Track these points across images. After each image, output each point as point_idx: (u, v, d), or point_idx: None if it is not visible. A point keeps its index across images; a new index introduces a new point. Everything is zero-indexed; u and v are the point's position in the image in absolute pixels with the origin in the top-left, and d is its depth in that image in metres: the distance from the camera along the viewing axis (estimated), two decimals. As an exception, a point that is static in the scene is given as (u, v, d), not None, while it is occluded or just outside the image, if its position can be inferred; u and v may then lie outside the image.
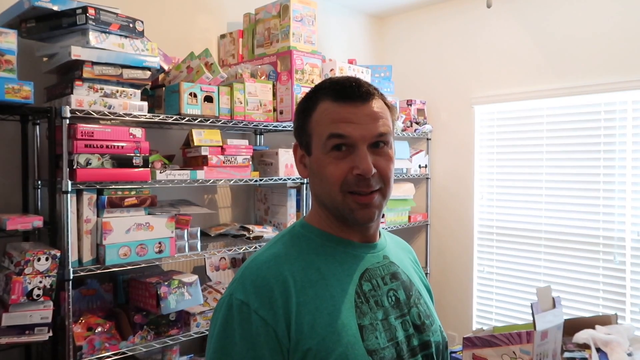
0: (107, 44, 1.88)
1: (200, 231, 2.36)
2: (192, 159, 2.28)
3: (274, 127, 2.45)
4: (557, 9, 2.86)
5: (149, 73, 2.02)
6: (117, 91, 1.95)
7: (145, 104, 2.03)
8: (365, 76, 2.85)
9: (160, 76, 2.27)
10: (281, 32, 2.46)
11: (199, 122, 2.18)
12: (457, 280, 3.31)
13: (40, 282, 1.69)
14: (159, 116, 2.07)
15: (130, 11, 2.04)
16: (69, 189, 1.81)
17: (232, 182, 2.32)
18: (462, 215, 3.30)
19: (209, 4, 2.71)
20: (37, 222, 1.78)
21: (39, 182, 2.06)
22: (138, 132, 1.98)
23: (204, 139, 2.23)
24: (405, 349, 0.91)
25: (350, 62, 2.93)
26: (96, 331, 1.93)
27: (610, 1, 2.67)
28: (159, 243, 2.02)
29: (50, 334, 1.72)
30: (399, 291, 0.96)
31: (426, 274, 3.31)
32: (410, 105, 3.34)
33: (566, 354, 1.75)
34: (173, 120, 2.10)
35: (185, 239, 2.24)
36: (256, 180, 2.41)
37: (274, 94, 2.46)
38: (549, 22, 2.90)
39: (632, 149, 2.65)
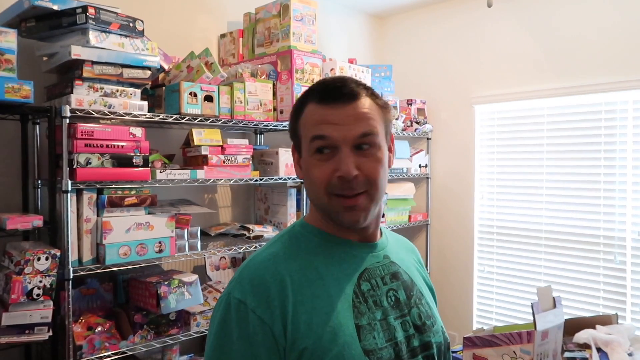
0: (107, 44, 1.87)
1: (201, 231, 2.36)
2: (192, 159, 2.28)
3: (274, 126, 2.45)
4: (557, 8, 2.86)
5: (149, 72, 2.01)
6: (117, 90, 1.95)
7: (145, 103, 2.03)
8: (366, 76, 2.85)
9: (161, 76, 2.27)
10: (281, 32, 2.45)
11: (199, 121, 2.17)
12: (458, 280, 3.31)
13: (40, 281, 1.68)
14: (159, 115, 2.07)
15: (130, 10, 2.04)
16: (69, 189, 1.80)
17: (232, 181, 2.32)
18: (463, 215, 3.30)
19: (209, 3, 2.71)
20: (37, 221, 1.78)
21: (39, 182, 2.06)
22: (138, 131, 1.98)
23: (204, 138, 2.23)
24: (404, 349, 0.91)
25: (351, 61, 2.93)
26: (96, 331, 1.93)
27: (611, 1, 2.67)
28: (159, 242, 2.02)
29: (50, 333, 1.72)
30: (399, 291, 0.95)
31: (426, 273, 3.30)
32: (411, 104, 3.34)
33: (567, 354, 1.75)
34: (173, 119, 2.10)
35: (186, 238, 2.23)
36: (256, 180, 2.41)
37: (274, 94, 2.45)
38: (549, 22, 2.89)
39: (632, 148, 2.65)
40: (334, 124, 0.87)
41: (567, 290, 2.84)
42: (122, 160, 1.92)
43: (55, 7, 1.81)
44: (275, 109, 2.46)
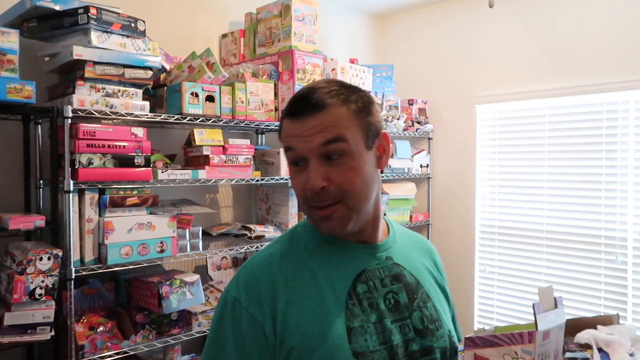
0: (108, 44, 1.88)
1: (202, 231, 2.36)
2: (194, 159, 2.28)
3: (275, 126, 2.45)
4: (559, 8, 2.86)
5: (150, 73, 2.02)
6: (119, 91, 1.96)
7: (147, 103, 2.03)
8: (367, 75, 2.85)
9: (162, 76, 2.27)
10: (283, 32, 2.46)
11: (200, 121, 2.18)
12: (459, 280, 3.31)
13: (43, 281, 1.69)
14: (160, 116, 2.07)
15: (131, 11, 2.05)
16: (71, 189, 1.81)
17: (233, 181, 2.32)
18: (464, 215, 3.30)
19: (211, 3, 2.71)
20: (39, 221, 1.78)
21: (41, 182, 2.06)
22: (140, 131, 1.98)
23: (206, 138, 2.23)
24: (401, 353, 0.89)
25: (352, 61, 2.93)
26: (98, 330, 1.94)
27: (612, 0, 2.66)
28: (161, 242, 2.02)
29: (53, 333, 1.72)
30: (400, 294, 0.94)
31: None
32: (412, 104, 3.34)
33: (568, 354, 1.75)
34: (175, 119, 2.10)
35: (187, 238, 2.24)
36: (258, 180, 2.42)
37: (276, 94, 2.46)
38: (550, 22, 2.89)
39: (634, 148, 2.64)
40: (299, 136, 0.87)
41: (569, 291, 2.84)
42: (124, 161, 1.93)
43: (57, 8, 1.81)
44: (276, 109, 2.46)
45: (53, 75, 2.05)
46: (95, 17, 1.81)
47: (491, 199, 3.21)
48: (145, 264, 2.01)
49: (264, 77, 2.46)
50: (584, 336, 1.78)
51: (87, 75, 1.85)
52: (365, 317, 0.89)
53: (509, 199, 3.12)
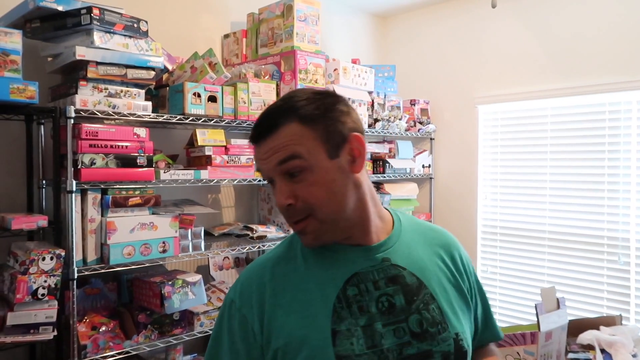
0: (111, 44, 1.88)
1: (204, 231, 2.37)
2: (196, 159, 2.29)
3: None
4: (561, 8, 2.85)
5: (153, 73, 2.02)
6: (122, 91, 1.96)
7: (149, 103, 2.04)
8: (369, 76, 2.85)
9: (164, 76, 2.27)
10: (285, 32, 2.46)
11: (202, 121, 2.18)
12: (461, 280, 3.31)
13: (45, 281, 1.69)
14: (162, 116, 2.07)
15: (134, 11, 2.05)
16: (74, 189, 1.81)
17: (235, 181, 2.32)
18: (466, 215, 3.30)
19: (213, 3, 2.71)
20: (42, 221, 1.79)
21: (44, 182, 2.06)
22: (142, 131, 1.98)
23: (208, 138, 2.23)
24: (393, 357, 0.87)
25: (354, 61, 2.93)
26: (100, 330, 1.94)
27: (614, 1, 2.66)
28: (163, 243, 2.02)
29: (55, 333, 1.73)
30: (396, 296, 0.91)
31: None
32: (414, 105, 3.34)
33: (570, 355, 1.75)
34: (177, 120, 2.11)
35: (189, 238, 2.24)
36: (260, 180, 2.42)
37: (278, 94, 2.45)
38: (553, 22, 2.89)
39: (636, 149, 2.64)
40: (260, 159, 0.90)
41: (571, 291, 2.84)
42: (126, 161, 1.93)
43: (60, 8, 1.81)
44: (278, 110, 2.46)
45: (56, 75, 2.05)
46: (98, 17, 1.81)
47: (493, 200, 3.21)
48: (147, 264, 2.01)
49: (266, 77, 2.46)
50: (586, 337, 1.78)
51: (89, 75, 1.85)
52: (353, 321, 0.88)
53: (511, 200, 3.12)
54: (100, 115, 1.89)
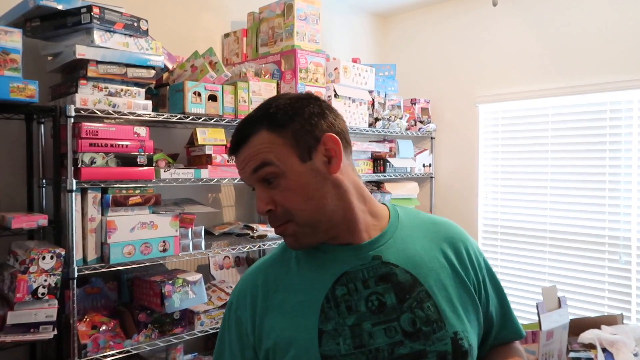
0: (111, 43, 1.88)
1: (204, 230, 2.37)
2: (196, 158, 2.28)
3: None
4: (562, 7, 2.85)
5: (153, 72, 2.02)
6: (122, 90, 1.96)
7: (149, 102, 2.03)
8: (369, 75, 2.85)
9: (165, 75, 2.27)
10: (285, 31, 2.45)
11: (203, 121, 2.18)
12: (462, 280, 3.30)
13: (45, 280, 1.69)
14: (163, 115, 2.07)
15: (134, 10, 2.04)
16: (74, 188, 1.81)
17: (236, 181, 2.32)
18: (466, 215, 3.29)
19: (213, 2, 2.71)
20: (42, 220, 1.78)
21: (44, 181, 2.06)
22: (142, 130, 1.98)
23: (208, 137, 2.23)
24: (383, 357, 0.86)
25: (355, 60, 2.93)
26: (101, 329, 1.94)
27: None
28: (163, 242, 2.02)
29: (55, 332, 1.72)
30: (387, 295, 0.89)
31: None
32: (415, 104, 3.33)
33: (572, 354, 1.74)
34: (177, 119, 2.10)
35: (190, 237, 2.24)
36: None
37: (278, 93, 2.45)
38: (554, 21, 2.88)
39: (638, 147, 2.63)
40: (239, 169, 0.93)
41: (572, 290, 2.83)
42: (127, 160, 1.93)
43: (60, 7, 1.81)
44: (279, 109, 2.45)
45: (56, 74, 2.05)
46: (98, 16, 1.81)
47: (494, 199, 3.20)
48: (147, 263, 2.01)
49: (267, 76, 2.46)
50: (587, 336, 1.78)
51: (89, 74, 1.85)
52: (340, 320, 0.87)
53: (511, 199, 3.11)
54: (100, 114, 1.88)
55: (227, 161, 2.26)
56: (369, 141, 3.12)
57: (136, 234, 1.95)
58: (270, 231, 2.48)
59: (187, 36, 2.58)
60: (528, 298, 3.01)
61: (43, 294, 1.68)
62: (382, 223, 0.97)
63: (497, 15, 3.10)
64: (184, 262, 2.48)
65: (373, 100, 3.01)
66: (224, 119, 2.24)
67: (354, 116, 2.78)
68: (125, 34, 1.91)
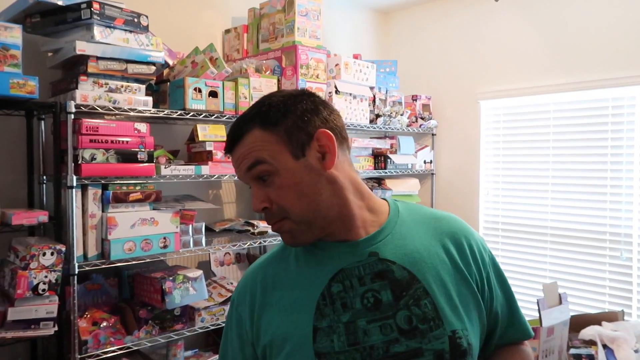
0: (111, 39, 1.87)
1: (205, 226, 2.37)
2: (197, 154, 2.28)
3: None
4: (564, 3, 2.83)
5: (153, 68, 2.01)
6: (122, 86, 1.95)
7: (149, 99, 2.03)
8: (370, 71, 2.84)
9: (165, 71, 2.27)
10: (286, 27, 2.45)
11: (203, 117, 2.17)
12: (462, 277, 3.31)
13: (46, 276, 1.69)
14: (163, 111, 2.06)
15: (134, 6, 2.04)
16: (74, 184, 1.81)
17: (236, 177, 2.31)
18: (468, 211, 3.29)
19: (214, -2, 2.71)
20: (43, 217, 1.79)
21: (44, 177, 2.06)
22: (143, 127, 1.98)
23: (209, 134, 2.23)
24: (378, 354, 0.85)
25: (356, 57, 2.92)
26: (101, 326, 1.94)
27: (619, -5, 2.65)
28: (164, 238, 2.02)
29: (56, 328, 1.73)
30: (383, 292, 0.88)
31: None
32: (416, 100, 3.32)
33: (572, 351, 1.74)
34: (178, 115, 2.10)
35: (190, 234, 2.24)
36: (261, 176, 2.40)
37: (279, 89, 2.44)
38: (555, 16, 2.87)
39: (639, 144, 2.62)
40: (234, 167, 0.93)
41: (573, 287, 2.83)
42: (127, 156, 1.92)
43: (60, 3, 1.80)
44: (279, 105, 2.45)
45: (56, 70, 2.05)
46: (98, 12, 1.80)
47: (495, 195, 3.20)
48: (148, 260, 2.01)
49: (267, 72, 2.45)
50: (588, 332, 1.78)
51: (90, 70, 1.85)
52: (335, 317, 0.87)
53: (513, 195, 3.11)
54: (100, 110, 1.88)
55: (228, 158, 2.25)
56: (370, 137, 3.12)
57: (137, 230, 1.95)
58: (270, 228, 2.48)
59: (188, 32, 2.58)
60: (529, 294, 3.00)
61: (44, 290, 1.69)
62: (381, 219, 0.96)
63: (499, 11, 3.09)
64: (184, 259, 2.48)
65: (374, 96, 3.00)
66: (225, 115, 2.24)
67: (354, 112, 2.77)
68: (126, 30, 1.91)
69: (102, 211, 1.92)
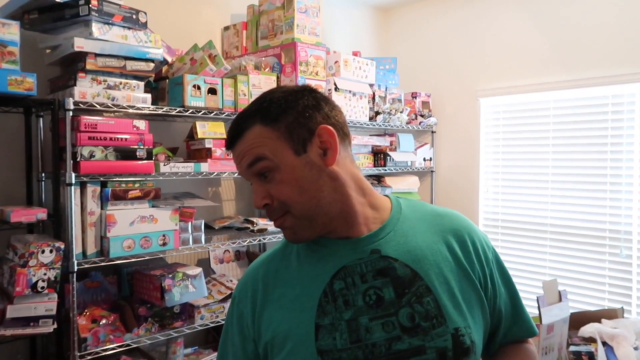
0: (110, 36, 1.86)
1: (204, 224, 2.36)
2: (196, 152, 2.27)
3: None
4: (564, 0, 2.83)
5: (152, 65, 2.01)
6: (121, 83, 1.95)
7: (148, 96, 2.02)
8: (370, 68, 2.83)
9: (164, 68, 2.26)
10: (285, 24, 2.44)
11: (202, 114, 2.17)
12: (462, 274, 3.30)
13: (45, 274, 1.69)
14: (162, 108, 2.06)
15: (133, 2, 2.03)
16: (73, 181, 1.80)
17: (236, 174, 2.31)
18: (467, 209, 3.28)
19: (213, -5, 2.70)
20: (41, 214, 1.78)
21: (43, 175, 2.06)
22: (141, 124, 1.97)
23: (208, 131, 2.22)
24: (380, 352, 0.84)
25: (355, 54, 2.91)
26: (101, 323, 1.94)
27: (619, -8, 2.64)
28: (163, 236, 2.02)
29: (55, 326, 1.72)
30: (385, 289, 0.87)
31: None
32: (415, 97, 3.32)
33: (572, 348, 1.74)
34: (176, 112, 2.09)
35: (189, 231, 2.23)
36: (260, 173, 2.40)
37: (278, 86, 2.44)
38: (555, 13, 2.86)
39: (639, 141, 2.62)
40: (236, 164, 0.93)
41: (573, 284, 2.83)
42: (126, 153, 1.92)
43: (58, -1, 1.80)
44: (279, 102, 2.44)
45: (54, 67, 2.04)
46: (96, 8, 1.79)
47: (495, 193, 3.20)
48: (147, 257, 2.01)
49: (267, 69, 2.44)
50: (588, 330, 1.78)
51: (88, 67, 1.84)
52: (337, 315, 0.86)
53: (512, 193, 3.11)
54: (99, 107, 1.87)
55: (227, 155, 2.25)
56: (370, 135, 3.11)
57: (136, 227, 1.94)
58: (270, 225, 2.48)
59: (187, 29, 2.57)
60: (529, 292, 3.00)
61: (43, 287, 1.68)
62: (383, 216, 0.96)
63: (499, 8, 3.08)
64: (184, 256, 2.48)
65: (374, 93, 2.99)
66: (224, 113, 2.23)
67: (354, 110, 2.77)
68: (124, 27, 1.90)
69: (101, 208, 1.91)
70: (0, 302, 1.70)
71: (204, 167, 2.17)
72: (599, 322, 1.83)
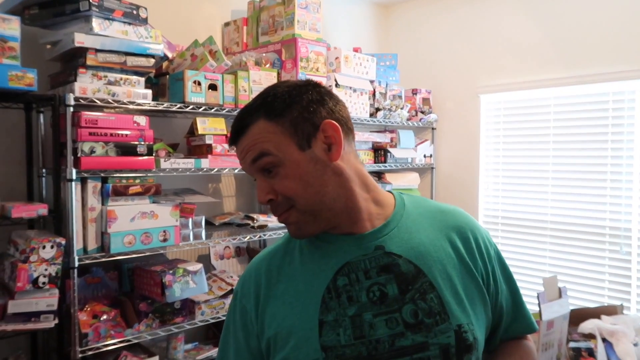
0: (110, 31, 1.86)
1: (205, 220, 2.36)
2: (197, 148, 2.27)
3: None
4: (565, -4, 2.82)
5: (152, 61, 2.00)
6: (121, 79, 1.94)
7: (149, 91, 2.02)
8: (370, 64, 2.83)
9: (164, 64, 2.25)
10: (286, 20, 2.43)
11: (203, 110, 2.16)
12: (462, 270, 3.31)
13: (46, 269, 1.69)
14: (162, 104, 2.06)
15: (133, -2, 2.03)
16: (74, 177, 1.80)
17: (236, 170, 2.31)
18: (467, 205, 3.28)
19: (213, -9, 2.69)
20: (42, 210, 1.78)
21: (44, 171, 2.06)
22: (142, 120, 1.97)
23: (209, 127, 2.22)
24: (383, 348, 0.84)
25: (356, 50, 2.91)
26: (101, 319, 1.94)
27: (620, -12, 2.63)
28: (164, 231, 2.02)
29: (56, 321, 1.73)
30: (389, 285, 0.87)
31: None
32: (416, 94, 3.32)
33: (572, 344, 1.74)
34: (177, 108, 2.09)
35: (190, 227, 2.23)
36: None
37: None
38: (556, 10, 2.86)
39: (639, 138, 2.63)
40: (239, 159, 0.92)
41: (573, 281, 2.83)
42: (126, 149, 1.92)
43: (58, -5, 1.79)
44: (279, 98, 2.44)
45: (55, 63, 2.04)
46: (96, 4, 1.79)
47: (495, 189, 3.20)
48: (148, 253, 2.01)
49: (267, 65, 2.44)
50: (588, 326, 1.78)
51: (89, 63, 1.84)
52: (341, 311, 0.86)
53: (513, 189, 3.11)
54: (99, 103, 1.87)
55: (228, 151, 2.25)
56: (370, 131, 3.11)
57: (136, 223, 1.95)
58: (270, 221, 2.48)
59: (187, 25, 2.56)
60: (529, 288, 3.01)
61: (44, 283, 1.69)
62: (387, 212, 0.95)
63: (500, 4, 3.08)
64: (184, 252, 2.48)
65: (374, 90, 2.99)
66: (224, 109, 2.23)
67: (354, 106, 2.77)
68: (125, 22, 1.90)
69: (102, 204, 1.91)
70: (2, 297, 1.70)
71: (205, 163, 2.17)
72: (599, 318, 1.83)
